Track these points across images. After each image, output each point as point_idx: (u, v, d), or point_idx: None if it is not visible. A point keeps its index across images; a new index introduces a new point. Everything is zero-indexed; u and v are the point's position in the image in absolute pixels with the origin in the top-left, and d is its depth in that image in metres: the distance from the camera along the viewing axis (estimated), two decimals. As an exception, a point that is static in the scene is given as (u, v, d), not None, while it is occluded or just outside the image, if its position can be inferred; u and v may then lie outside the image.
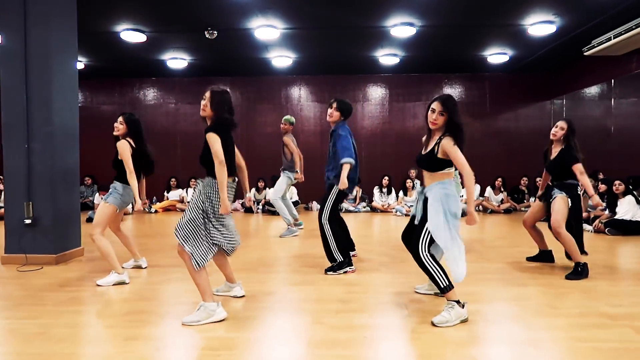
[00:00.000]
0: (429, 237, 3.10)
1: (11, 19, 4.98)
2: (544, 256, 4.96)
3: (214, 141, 3.14)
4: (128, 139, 4.30)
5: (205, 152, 3.20)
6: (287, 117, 7.05)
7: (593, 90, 9.61)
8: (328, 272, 4.43)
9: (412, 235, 3.25)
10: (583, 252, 4.50)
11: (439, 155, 3.12)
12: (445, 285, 3.06)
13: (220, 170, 3.08)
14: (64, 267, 4.86)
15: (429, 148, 3.20)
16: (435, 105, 3.14)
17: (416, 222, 3.22)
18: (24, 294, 3.82)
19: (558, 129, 4.58)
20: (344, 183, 4.41)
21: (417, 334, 2.88)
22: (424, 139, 3.34)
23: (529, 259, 5.04)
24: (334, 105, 4.73)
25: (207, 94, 3.29)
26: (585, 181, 4.38)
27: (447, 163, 3.14)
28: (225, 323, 3.06)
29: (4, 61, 5.02)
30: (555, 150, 4.64)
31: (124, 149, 4.20)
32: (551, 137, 4.64)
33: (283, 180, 6.89)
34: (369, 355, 2.58)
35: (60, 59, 5.14)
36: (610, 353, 2.56)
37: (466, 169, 3.01)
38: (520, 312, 3.31)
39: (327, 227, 4.50)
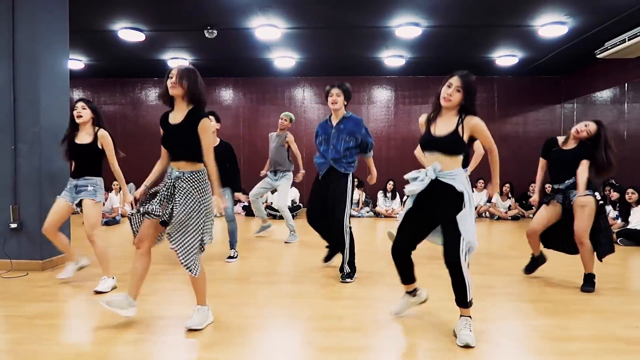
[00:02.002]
0: (465, 241, 2.81)
1: (-2, 17, 4.81)
2: (540, 261, 4.55)
3: (209, 129, 2.93)
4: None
5: (192, 141, 2.92)
6: (288, 113, 6.71)
7: (605, 94, 9.31)
8: (347, 280, 4.33)
9: (417, 235, 3.00)
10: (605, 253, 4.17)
11: (465, 137, 2.86)
12: (471, 298, 2.83)
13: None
14: (50, 273, 4.66)
15: (450, 129, 2.88)
16: (454, 80, 2.88)
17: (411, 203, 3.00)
18: (2, 304, 3.62)
19: (585, 130, 4.10)
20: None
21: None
22: (423, 119, 3.11)
23: (527, 271, 4.60)
24: (335, 90, 4.42)
25: (175, 71, 2.95)
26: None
27: (467, 146, 2.91)
28: (207, 340, 2.83)
29: (-9, 58, 4.84)
30: (572, 146, 4.19)
31: (110, 138, 4.06)
32: (575, 133, 4.15)
33: (287, 183, 6.59)
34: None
35: (49, 58, 4.94)
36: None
37: (495, 146, 3.03)
38: (527, 333, 3.05)
39: (347, 228, 4.38)
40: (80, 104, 4.04)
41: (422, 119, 3.12)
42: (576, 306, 3.65)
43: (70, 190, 4.07)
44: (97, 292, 3.91)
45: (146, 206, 2.95)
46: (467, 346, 2.71)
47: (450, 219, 2.83)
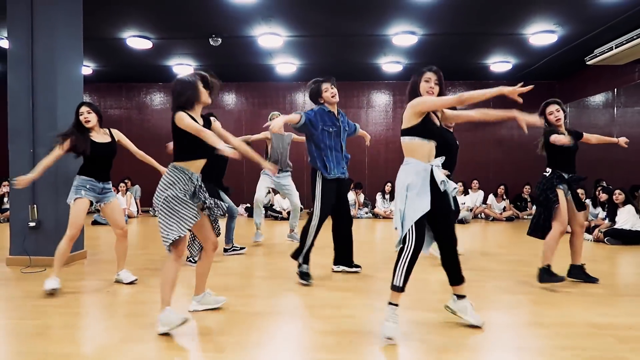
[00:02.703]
0: None
1: (18, 26, 5.13)
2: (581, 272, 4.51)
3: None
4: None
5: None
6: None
7: (597, 98, 9.62)
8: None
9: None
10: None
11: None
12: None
13: None
14: (66, 269, 4.94)
15: (437, 121, 3.07)
16: (431, 75, 3.05)
17: (445, 187, 3.02)
18: (26, 295, 3.93)
19: (560, 112, 4.32)
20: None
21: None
22: (420, 99, 3.03)
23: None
24: (333, 83, 4.45)
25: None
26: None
27: None
28: (214, 325, 3.14)
29: (12, 67, 5.16)
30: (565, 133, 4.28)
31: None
32: (557, 122, 4.32)
33: (292, 182, 6.75)
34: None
35: (65, 65, 5.27)
36: (591, 362, 2.61)
37: (453, 98, 2.95)
38: (509, 320, 3.35)
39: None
40: (85, 109, 4.13)
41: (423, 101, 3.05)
42: (557, 298, 3.95)
43: (93, 191, 4.12)
44: (121, 282, 4.29)
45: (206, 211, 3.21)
46: (482, 324, 3.10)
47: (446, 202, 3.07)
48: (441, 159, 3.13)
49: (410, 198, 2.92)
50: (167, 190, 3.00)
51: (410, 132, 3.01)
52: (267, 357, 2.67)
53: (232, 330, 3.09)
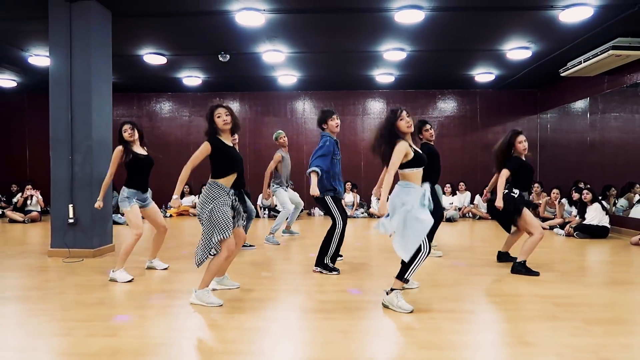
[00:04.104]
0: None
1: (59, 46, 5.92)
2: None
3: None
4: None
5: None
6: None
7: (576, 105, 10.43)
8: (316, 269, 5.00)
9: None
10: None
11: None
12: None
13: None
14: (100, 259, 5.76)
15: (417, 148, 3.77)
16: (405, 113, 3.63)
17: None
18: (77, 278, 4.73)
19: (526, 142, 5.26)
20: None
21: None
22: (402, 146, 3.54)
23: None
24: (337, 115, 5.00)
25: (226, 109, 3.83)
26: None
27: None
28: (233, 304, 3.95)
29: (54, 84, 5.96)
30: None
31: None
32: (524, 151, 5.22)
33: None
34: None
35: (98, 82, 6.07)
36: (528, 318, 3.42)
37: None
38: (471, 293, 4.17)
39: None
40: (129, 127, 4.85)
41: (406, 146, 3.60)
42: (514, 278, 4.76)
43: (133, 200, 4.74)
44: (149, 268, 5.07)
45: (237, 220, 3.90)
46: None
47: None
48: (427, 185, 3.95)
49: (414, 218, 3.49)
50: (210, 203, 3.65)
51: (408, 164, 3.63)
52: (277, 316, 3.47)
53: (247, 299, 3.89)
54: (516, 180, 5.19)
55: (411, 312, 3.52)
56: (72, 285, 4.43)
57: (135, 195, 4.78)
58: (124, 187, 4.77)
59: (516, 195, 5.12)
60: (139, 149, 4.93)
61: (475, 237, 8.12)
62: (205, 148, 3.76)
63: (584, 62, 8.25)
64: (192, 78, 10.71)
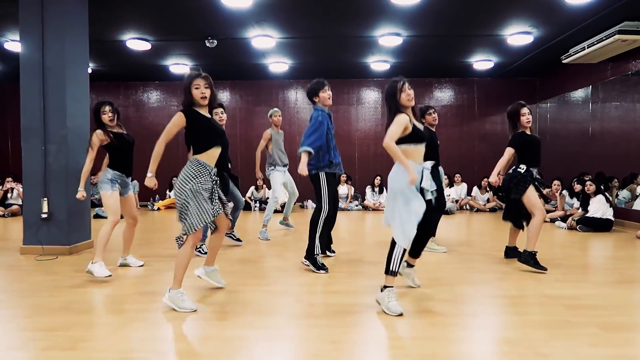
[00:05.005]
0: None
1: (30, 32, 5.51)
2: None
3: None
4: None
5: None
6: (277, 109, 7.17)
7: (575, 94, 10.11)
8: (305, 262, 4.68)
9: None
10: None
11: None
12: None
13: None
14: (76, 257, 5.39)
15: (420, 125, 3.46)
16: (407, 84, 3.39)
17: (430, 197, 3.44)
18: (47, 279, 4.36)
19: (530, 115, 4.89)
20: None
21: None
22: (403, 117, 3.32)
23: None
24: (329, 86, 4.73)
25: (205, 80, 3.39)
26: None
27: None
28: (222, 300, 3.59)
29: (24, 70, 5.55)
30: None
31: None
32: (528, 124, 4.87)
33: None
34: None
35: (73, 68, 5.67)
36: (539, 323, 3.09)
37: None
38: (475, 293, 3.83)
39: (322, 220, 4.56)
40: (108, 108, 4.49)
41: (407, 118, 3.36)
42: (518, 276, 4.44)
43: (122, 186, 4.49)
44: (121, 265, 4.76)
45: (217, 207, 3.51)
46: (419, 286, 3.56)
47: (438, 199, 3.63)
48: (431, 163, 3.58)
49: (407, 203, 3.30)
50: (189, 182, 3.30)
51: (406, 140, 3.39)
52: (261, 323, 3.13)
53: (231, 302, 3.54)
54: (522, 156, 4.84)
55: (400, 315, 3.20)
56: (39, 287, 4.06)
57: (119, 178, 4.48)
58: (107, 168, 4.45)
59: (523, 171, 4.76)
60: (117, 129, 4.60)
61: (473, 231, 7.81)
62: (179, 119, 3.36)
63: (587, 47, 7.90)
64: (179, 66, 10.28)
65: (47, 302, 3.61)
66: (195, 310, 3.33)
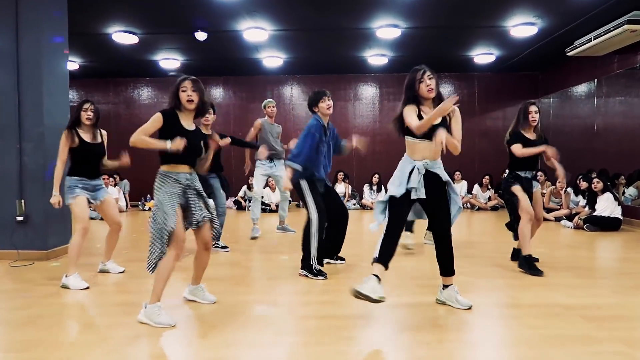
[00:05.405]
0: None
1: (4, 23, 5.16)
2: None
3: None
4: None
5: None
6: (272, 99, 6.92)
7: (579, 89, 9.79)
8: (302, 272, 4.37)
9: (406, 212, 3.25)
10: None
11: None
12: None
13: None
14: (54, 262, 5.04)
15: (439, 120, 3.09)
16: (429, 74, 3.16)
17: (417, 196, 3.15)
18: (16, 287, 4.01)
19: (536, 116, 4.61)
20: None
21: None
22: (409, 110, 3.14)
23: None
24: (329, 96, 4.53)
25: (193, 84, 3.16)
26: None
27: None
28: (207, 312, 3.25)
29: (-3, 63, 5.20)
30: (532, 136, 4.62)
31: None
32: (533, 122, 4.60)
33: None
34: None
35: (51, 61, 5.32)
36: (555, 339, 2.75)
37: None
38: (485, 303, 3.50)
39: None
40: (90, 106, 4.20)
41: (413, 108, 3.18)
42: (529, 282, 4.11)
43: (86, 190, 4.17)
44: (102, 271, 4.44)
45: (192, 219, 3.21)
46: (470, 307, 3.28)
47: (443, 200, 3.27)
48: (429, 161, 3.23)
49: (389, 185, 3.28)
50: (157, 194, 3.10)
51: (411, 132, 3.18)
52: (244, 342, 2.78)
53: (214, 315, 3.20)
54: (519, 159, 4.56)
55: (377, 301, 2.90)
56: (6, 297, 3.71)
57: (79, 183, 4.13)
58: (67, 176, 4.12)
59: (506, 175, 4.65)
60: (89, 135, 4.23)
61: (475, 231, 7.48)
62: (156, 118, 3.10)
63: (594, 39, 7.56)
64: (169, 61, 9.91)
65: (11, 316, 3.27)
66: (173, 326, 2.99)
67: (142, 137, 3.07)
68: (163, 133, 3.10)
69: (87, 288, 3.93)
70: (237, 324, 3.05)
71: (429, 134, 3.08)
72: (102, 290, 3.95)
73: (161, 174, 3.14)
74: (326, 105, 4.48)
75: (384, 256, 3.08)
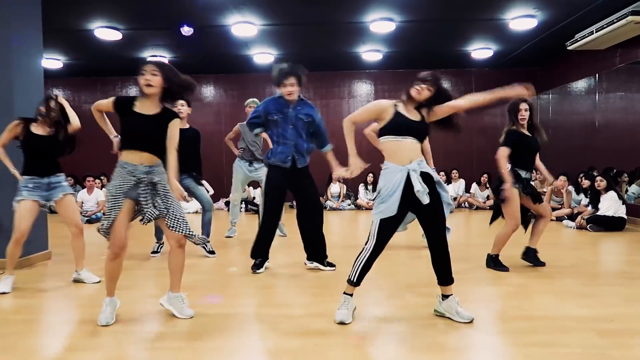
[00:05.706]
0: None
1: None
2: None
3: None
4: None
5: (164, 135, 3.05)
6: (255, 99, 6.50)
7: (579, 84, 9.51)
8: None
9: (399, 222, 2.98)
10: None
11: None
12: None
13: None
14: (27, 271, 4.72)
15: (417, 117, 3.03)
16: (426, 84, 3.09)
17: (424, 200, 2.86)
18: (-23, 301, 3.70)
19: (526, 112, 4.40)
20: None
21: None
22: (380, 102, 3.18)
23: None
24: (290, 80, 4.17)
25: (153, 67, 2.93)
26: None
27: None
28: (186, 328, 2.94)
29: (-37, 60, 4.87)
30: (527, 133, 4.43)
31: None
32: (522, 121, 4.41)
33: None
34: None
35: (23, 58, 4.99)
36: (569, 359, 2.46)
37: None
38: (488, 314, 3.20)
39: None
40: (53, 103, 3.96)
41: (383, 104, 3.16)
42: (535, 288, 3.81)
43: (38, 189, 3.92)
44: (75, 281, 4.12)
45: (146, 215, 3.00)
46: (472, 320, 2.95)
47: (437, 202, 2.98)
48: (420, 160, 2.97)
49: (378, 200, 2.95)
50: (110, 185, 2.98)
51: (383, 131, 3.04)
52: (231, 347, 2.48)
53: (190, 331, 2.89)
54: (515, 157, 4.36)
55: (341, 323, 2.88)
56: (-35, 314, 3.40)
57: (29, 183, 3.86)
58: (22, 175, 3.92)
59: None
60: (41, 129, 3.95)
61: (474, 231, 7.20)
62: (107, 101, 3.05)
63: (596, 32, 7.29)
64: (157, 58, 9.59)
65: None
66: (107, 325, 2.90)
67: (95, 111, 3.17)
68: (121, 119, 2.99)
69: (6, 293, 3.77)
70: (206, 343, 2.73)
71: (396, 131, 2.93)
72: (69, 304, 3.64)
73: (118, 163, 2.98)
74: (286, 91, 4.19)
75: (361, 279, 3.01)
